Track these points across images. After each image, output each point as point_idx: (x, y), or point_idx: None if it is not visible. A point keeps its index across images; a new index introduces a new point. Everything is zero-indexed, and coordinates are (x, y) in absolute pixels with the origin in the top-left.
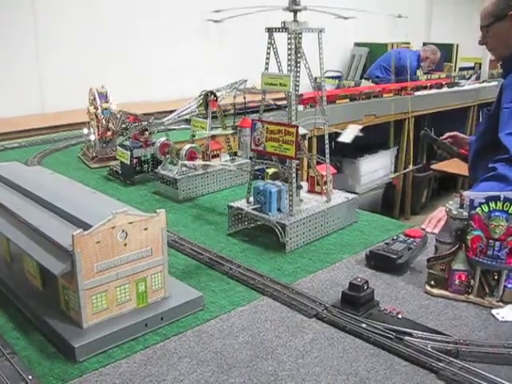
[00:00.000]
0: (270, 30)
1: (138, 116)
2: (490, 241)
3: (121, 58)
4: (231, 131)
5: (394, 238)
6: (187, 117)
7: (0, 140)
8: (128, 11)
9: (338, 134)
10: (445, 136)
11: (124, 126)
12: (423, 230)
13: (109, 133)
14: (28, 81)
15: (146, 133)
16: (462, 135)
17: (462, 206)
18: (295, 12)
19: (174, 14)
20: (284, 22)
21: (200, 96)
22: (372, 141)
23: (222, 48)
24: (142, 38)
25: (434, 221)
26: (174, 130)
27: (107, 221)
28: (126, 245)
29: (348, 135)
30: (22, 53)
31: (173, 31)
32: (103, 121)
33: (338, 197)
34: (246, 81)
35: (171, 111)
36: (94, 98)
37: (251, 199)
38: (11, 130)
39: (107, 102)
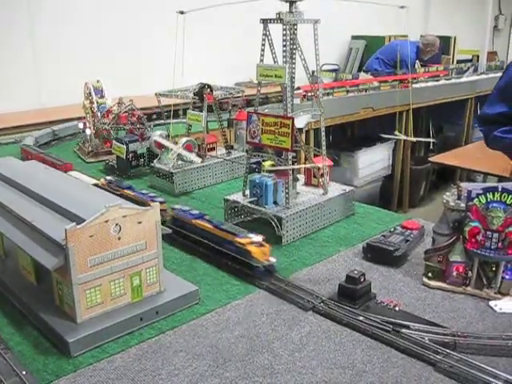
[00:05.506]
0: (264, 21)
1: (141, 118)
2: (488, 232)
3: (118, 53)
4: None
5: (392, 230)
6: (180, 98)
7: None
8: (125, 7)
9: (335, 128)
10: None
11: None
12: None
13: (110, 116)
14: (25, 77)
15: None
16: None
17: (459, 198)
18: (291, 3)
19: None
20: (279, 13)
21: (197, 85)
22: (369, 134)
23: (218, 43)
24: (139, 34)
25: None
26: (169, 123)
27: (100, 214)
28: (119, 238)
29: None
30: (19, 50)
31: (168, 26)
32: (98, 114)
33: (335, 189)
34: (244, 92)
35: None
36: (90, 93)
37: (247, 192)
38: (6, 126)
39: (102, 96)
